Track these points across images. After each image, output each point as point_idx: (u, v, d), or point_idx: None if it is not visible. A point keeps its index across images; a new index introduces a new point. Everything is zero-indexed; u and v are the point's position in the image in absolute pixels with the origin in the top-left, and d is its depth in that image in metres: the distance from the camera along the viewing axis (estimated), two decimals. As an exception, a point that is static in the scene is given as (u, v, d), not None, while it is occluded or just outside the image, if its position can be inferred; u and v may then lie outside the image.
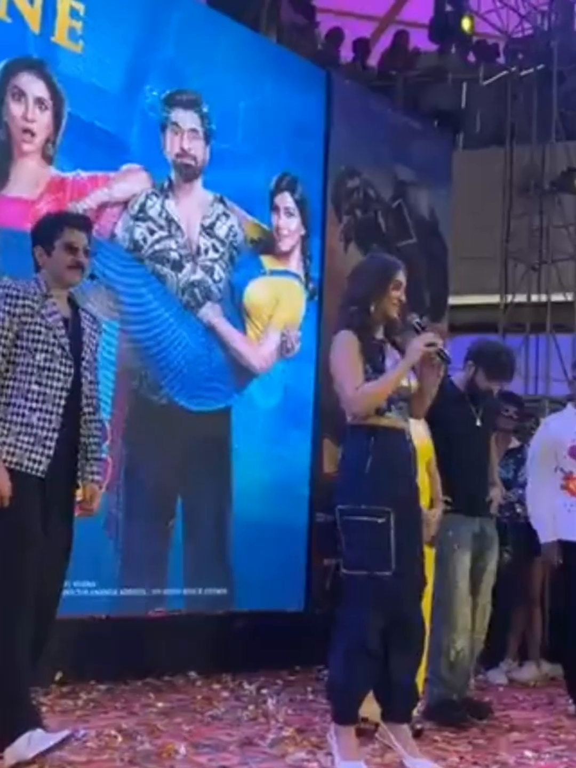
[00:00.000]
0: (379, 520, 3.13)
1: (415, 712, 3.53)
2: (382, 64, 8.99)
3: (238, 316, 5.40)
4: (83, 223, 3.28)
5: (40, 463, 3.04)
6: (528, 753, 3.57)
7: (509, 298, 7.63)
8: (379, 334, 3.32)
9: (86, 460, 3.17)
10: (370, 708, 3.36)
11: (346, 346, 3.25)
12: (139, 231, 4.92)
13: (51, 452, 3.05)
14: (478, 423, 4.12)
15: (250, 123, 5.45)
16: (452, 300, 6.83)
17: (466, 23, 7.41)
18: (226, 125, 5.30)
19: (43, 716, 3.13)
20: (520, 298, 7.62)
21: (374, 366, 3.22)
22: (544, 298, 7.50)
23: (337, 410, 5.62)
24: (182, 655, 4.79)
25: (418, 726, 3.59)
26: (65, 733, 3.00)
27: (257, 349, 5.48)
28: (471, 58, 8.69)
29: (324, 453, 5.79)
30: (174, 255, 5.07)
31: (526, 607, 5.71)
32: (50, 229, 3.19)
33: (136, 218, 4.90)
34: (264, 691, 4.60)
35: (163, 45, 5.04)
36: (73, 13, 4.63)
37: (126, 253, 4.86)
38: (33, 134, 4.47)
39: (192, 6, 5.34)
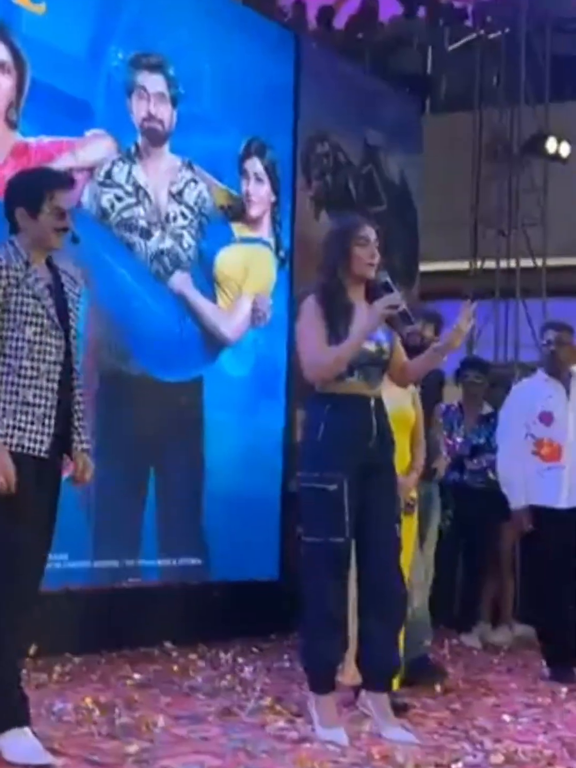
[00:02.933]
0: (330, 487, 3.13)
1: (397, 686, 3.53)
2: (348, 29, 8.88)
3: (209, 284, 5.33)
4: (70, 182, 3.05)
5: (41, 442, 2.87)
6: (506, 717, 3.59)
7: (479, 263, 7.62)
8: (353, 298, 3.27)
9: (74, 429, 2.99)
10: (352, 673, 3.36)
11: (306, 314, 3.22)
12: (106, 198, 4.83)
13: (51, 430, 2.88)
14: (419, 387, 4.06)
15: (218, 87, 5.35)
16: (422, 267, 6.80)
17: (434, -15, 7.31)
18: (193, 89, 5.20)
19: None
20: (490, 264, 7.60)
21: (335, 331, 3.18)
22: (513, 263, 7.48)
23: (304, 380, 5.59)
24: (157, 626, 4.76)
25: (402, 700, 3.58)
26: (47, 760, 2.78)
27: (228, 318, 5.43)
28: (440, 23, 8.60)
29: (296, 422, 5.77)
30: (142, 222, 4.98)
31: (498, 571, 5.76)
32: (36, 190, 2.92)
33: (102, 185, 4.80)
34: (240, 660, 4.59)
35: (127, 6, 4.92)
36: (35, -26, 4.50)
37: (93, 220, 4.77)
38: (-5, 99, 4.35)
39: (156, -34, 5.22)
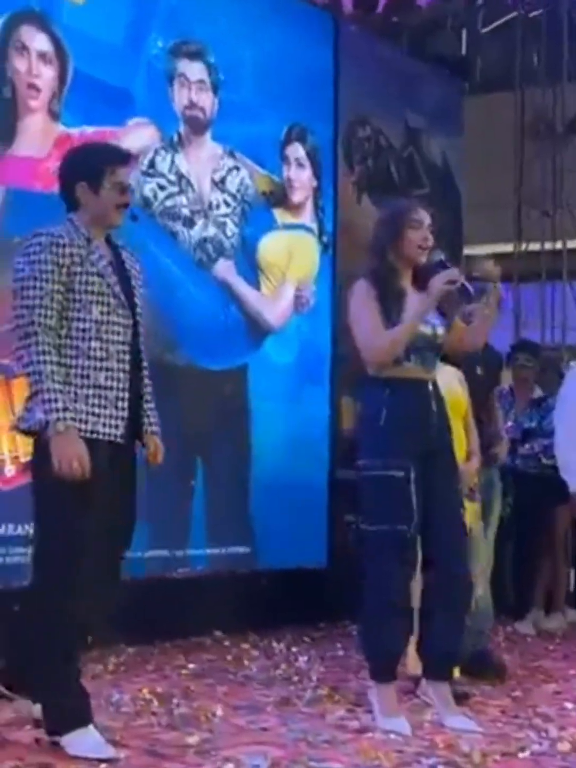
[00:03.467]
0: (397, 474, 3.07)
1: (458, 675, 3.48)
2: (384, 12, 8.78)
3: (252, 271, 5.30)
4: (130, 158, 2.98)
5: (116, 427, 2.77)
6: (568, 704, 3.54)
7: (524, 246, 7.51)
8: (404, 282, 3.22)
9: (144, 412, 2.91)
10: (414, 663, 3.32)
11: (359, 296, 3.17)
12: (149, 187, 4.81)
13: (125, 414, 2.79)
14: (479, 371, 4.02)
15: (258, 73, 5.30)
16: (465, 250, 6.72)
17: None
18: (233, 76, 5.16)
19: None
20: (534, 246, 7.49)
21: (388, 316, 3.13)
22: (559, 245, 7.37)
23: (354, 365, 5.53)
24: (207, 615, 4.75)
25: (463, 689, 3.52)
26: (111, 754, 2.72)
27: (272, 305, 5.39)
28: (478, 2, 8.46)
29: (342, 408, 5.73)
30: (185, 211, 4.96)
31: (551, 557, 5.68)
32: (98, 165, 2.84)
33: (145, 174, 4.78)
34: (294, 649, 4.57)
35: (166, -7, 4.89)
36: (74, -36, 4.47)
37: (137, 209, 4.74)
38: (38, 90, 4.33)
39: (195, -47, 5.18)
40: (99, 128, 4.58)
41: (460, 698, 3.38)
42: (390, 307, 3.14)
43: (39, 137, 4.33)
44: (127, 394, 2.81)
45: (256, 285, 5.32)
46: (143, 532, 4.62)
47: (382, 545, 3.10)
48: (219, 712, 3.25)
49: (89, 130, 4.54)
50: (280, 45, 5.40)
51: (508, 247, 7.52)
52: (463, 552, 3.22)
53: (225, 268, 5.14)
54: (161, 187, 4.87)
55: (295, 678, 3.91)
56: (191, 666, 4.07)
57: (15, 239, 4.06)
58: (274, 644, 4.64)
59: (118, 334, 2.81)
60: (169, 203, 4.90)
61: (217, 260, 5.11)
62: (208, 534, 4.97)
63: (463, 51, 8.46)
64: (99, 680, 3.75)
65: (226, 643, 4.66)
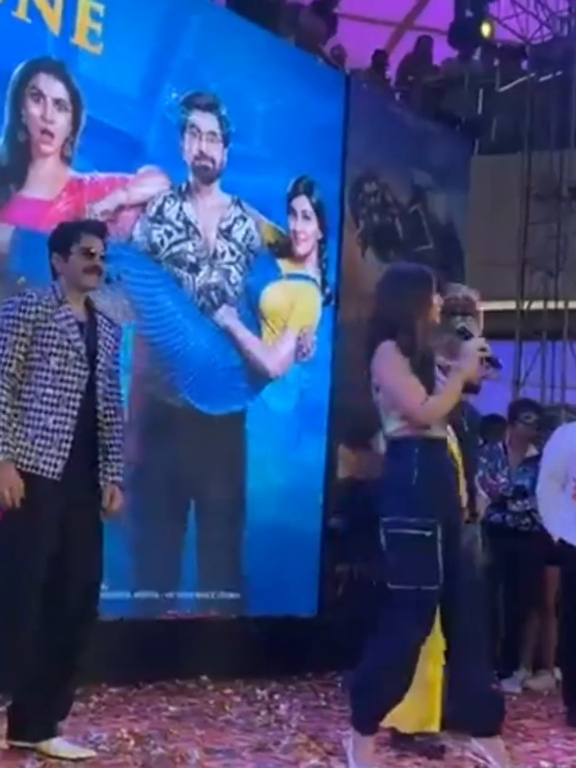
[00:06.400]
0: (427, 533, 3.08)
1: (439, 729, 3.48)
2: (401, 69, 8.97)
3: (254, 319, 5.38)
4: (99, 228, 3.35)
5: (55, 466, 3.06)
6: (544, 763, 3.53)
7: (526, 304, 7.60)
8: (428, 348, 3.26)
9: (107, 461, 3.18)
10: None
11: (394, 358, 3.16)
12: (157, 233, 4.91)
13: (66, 454, 3.07)
14: (466, 429, 4.07)
15: (269, 126, 5.43)
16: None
17: (485, 29, 7.39)
18: (244, 128, 5.29)
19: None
20: (537, 305, 7.57)
21: (424, 380, 3.15)
22: (561, 305, 7.45)
23: (352, 416, 5.59)
24: (194, 659, 4.76)
25: (441, 743, 3.53)
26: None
27: (273, 352, 5.46)
28: (495, 63, 8.65)
29: (338, 458, 5.77)
30: (191, 258, 5.06)
31: (540, 615, 5.67)
32: (67, 235, 3.28)
33: (153, 220, 4.89)
34: (276, 696, 4.57)
35: (181, 47, 5.03)
36: (93, 15, 4.63)
37: (143, 255, 4.85)
38: (51, 135, 4.46)
39: (211, 9, 5.34)
40: (110, 174, 4.71)
41: (437, 752, 3.38)
42: (424, 371, 3.18)
43: (50, 181, 4.45)
44: (71, 438, 3.08)
45: (257, 332, 5.40)
46: (131, 572, 4.70)
47: (406, 604, 3.09)
48: (195, 754, 3.27)
49: (101, 175, 4.67)
50: (291, 99, 5.53)
51: (510, 305, 7.61)
52: (485, 608, 3.26)
53: (227, 315, 5.23)
54: (168, 234, 4.97)
55: (275, 725, 3.92)
56: (172, 709, 4.08)
57: (21, 278, 4.18)
58: (258, 691, 4.64)
59: (72, 383, 3.12)
60: (175, 250, 5.00)
61: (220, 306, 5.20)
62: (199, 577, 4.99)
63: (479, 110, 8.65)
64: (80, 718, 3.76)
65: (210, 687, 4.66)
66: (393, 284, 3.32)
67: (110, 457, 3.19)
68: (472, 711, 3.17)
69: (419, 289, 3.24)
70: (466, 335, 3.27)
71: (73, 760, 3.10)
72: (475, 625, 3.16)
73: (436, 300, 3.25)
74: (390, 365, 3.17)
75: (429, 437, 3.17)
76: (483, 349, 3.19)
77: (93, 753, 3.18)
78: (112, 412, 3.22)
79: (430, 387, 3.15)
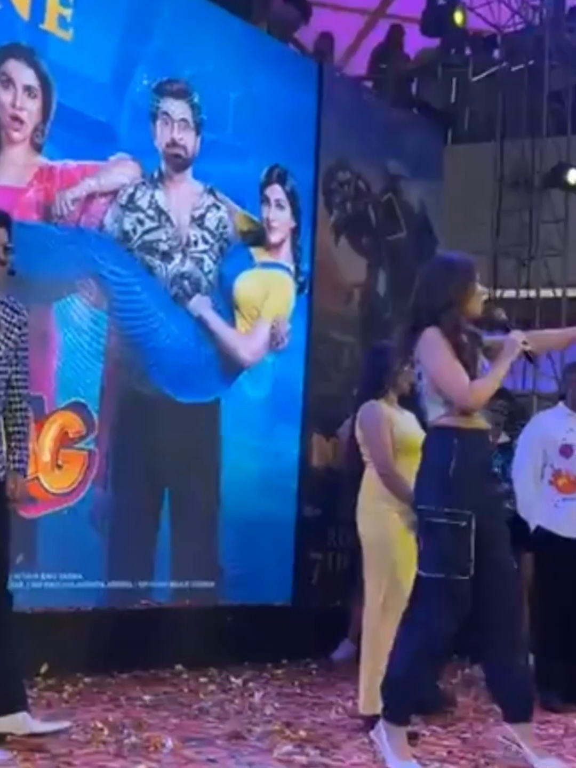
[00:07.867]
0: (461, 524, 3.09)
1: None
2: (373, 57, 8.94)
3: (228, 308, 5.37)
4: (3, 218, 3.29)
5: None
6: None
7: (498, 293, 7.63)
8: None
9: (10, 449, 3.20)
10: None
11: (439, 344, 3.16)
12: (129, 221, 4.89)
13: None
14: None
15: (241, 114, 5.41)
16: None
17: (458, 17, 7.37)
18: (216, 116, 5.27)
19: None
20: (509, 293, 7.61)
21: (467, 366, 3.16)
22: (533, 293, 7.49)
23: (326, 404, 5.58)
24: (169, 648, 4.76)
25: (413, 729, 3.54)
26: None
27: (247, 341, 5.46)
28: (468, 52, 8.65)
29: (312, 446, 5.78)
30: (163, 246, 5.04)
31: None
32: None
33: (125, 208, 4.86)
34: (251, 684, 4.58)
35: (153, 34, 5.00)
36: (63, 1, 4.58)
37: (115, 243, 4.82)
38: (21, 122, 4.43)
39: (183, -5, 5.31)
40: (81, 162, 4.67)
41: (410, 738, 3.39)
42: (468, 360, 3.18)
43: (20, 168, 4.42)
44: None
45: (231, 321, 5.39)
46: (105, 562, 4.69)
47: (434, 591, 3.11)
48: (168, 743, 3.26)
49: (71, 163, 4.63)
50: (264, 88, 5.52)
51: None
52: (518, 597, 3.28)
53: (201, 303, 5.22)
54: (140, 222, 4.95)
55: (249, 712, 3.93)
56: (146, 697, 4.07)
57: None
58: (232, 679, 4.64)
59: None
60: (147, 238, 4.97)
61: (193, 295, 5.18)
62: (173, 567, 4.99)
63: (453, 99, 8.66)
64: (54, 708, 3.76)
65: (185, 675, 4.66)
66: (439, 272, 3.31)
67: (14, 444, 3.21)
68: (506, 698, 3.24)
69: (464, 278, 3.25)
70: (507, 327, 3.33)
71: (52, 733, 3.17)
72: (509, 615, 3.20)
73: (480, 289, 3.28)
74: (436, 351, 3.17)
75: (470, 428, 3.18)
76: (525, 343, 3.23)
77: (68, 723, 3.27)
78: (17, 398, 3.25)
79: (473, 374, 3.17)
